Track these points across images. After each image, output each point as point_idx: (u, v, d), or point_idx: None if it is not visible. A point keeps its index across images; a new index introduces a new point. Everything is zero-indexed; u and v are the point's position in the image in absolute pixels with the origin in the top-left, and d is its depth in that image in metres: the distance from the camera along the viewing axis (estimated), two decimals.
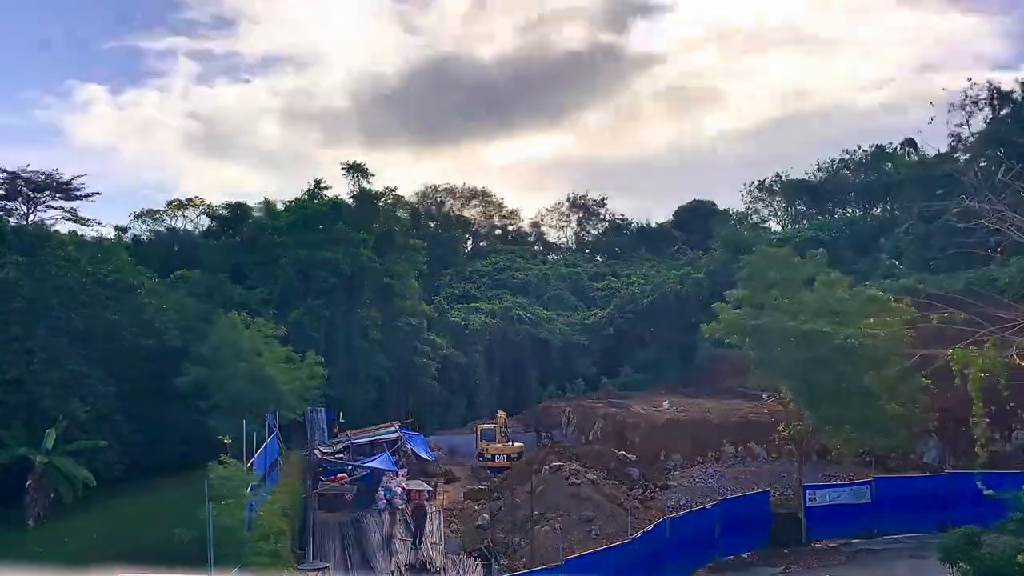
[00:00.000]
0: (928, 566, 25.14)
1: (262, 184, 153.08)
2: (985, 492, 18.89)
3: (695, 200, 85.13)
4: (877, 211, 74.64)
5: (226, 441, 30.57)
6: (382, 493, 33.16)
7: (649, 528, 27.52)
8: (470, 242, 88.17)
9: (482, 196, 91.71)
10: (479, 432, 44.41)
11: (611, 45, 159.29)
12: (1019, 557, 16.77)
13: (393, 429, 42.51)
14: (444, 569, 28.21)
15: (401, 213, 65.31)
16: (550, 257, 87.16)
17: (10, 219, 45.04)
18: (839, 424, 34.53)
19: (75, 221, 46.79)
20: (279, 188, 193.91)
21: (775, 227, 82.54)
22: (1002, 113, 59.24)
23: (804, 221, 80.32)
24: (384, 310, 53.31)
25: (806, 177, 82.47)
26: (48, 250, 40.45)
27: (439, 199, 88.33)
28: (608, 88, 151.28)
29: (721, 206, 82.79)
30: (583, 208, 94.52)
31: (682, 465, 39.57)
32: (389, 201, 59.13)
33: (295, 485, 34.93)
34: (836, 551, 30.63)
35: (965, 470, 30.35)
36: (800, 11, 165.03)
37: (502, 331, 58.73)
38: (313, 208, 52.67)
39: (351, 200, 54.66)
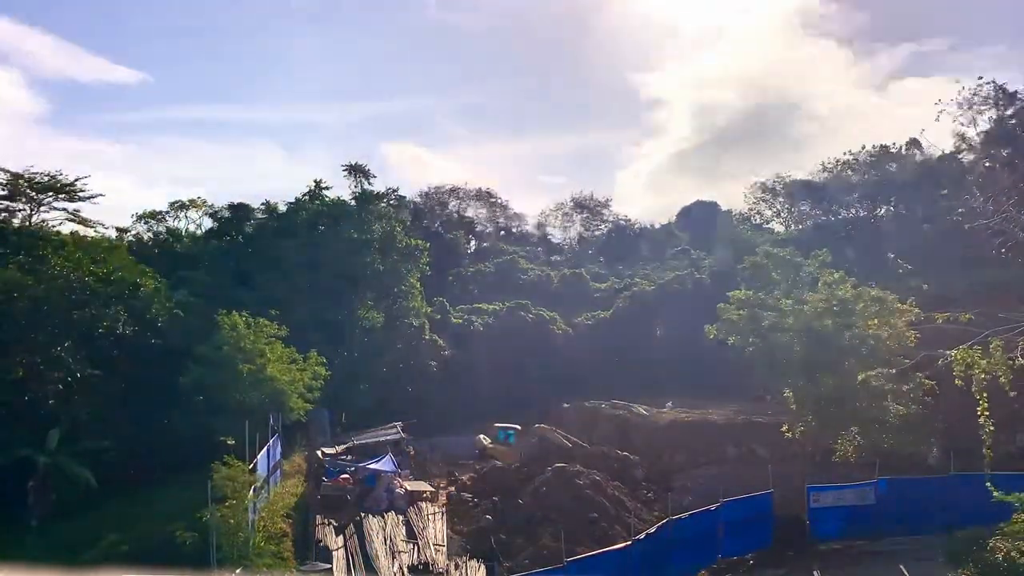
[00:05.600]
0: (932, 568, 25.05)
1: None
2: (995, 494, 18.80)
3: (698, 200, 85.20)
4: (881, 211, 74.40)
5: (229, 442, 30.56)
6: (384, 495, 33.08)
7: (652, 530, 27.40)
8: (473, 242, 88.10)
9: (486, 197, 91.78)
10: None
11: None
12: None
13: (395, 430, 42.41)
14: (447, 570, 28.11)
15: (404, 214, 65.24)
16: (553, 258, 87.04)
17: (13, 220, 45.11)
18: (843, 425, 34.50)
19: (78, 222, 46.88)
20: None
21: (778, 228, 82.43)
22: (1008, 113, 59.05)
23: (808, 222, 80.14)
24: (386, 311, 53.14)
25: (809, 178, 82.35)
26: (51, 251, 40.45)
27: (442, 199, 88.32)
28: None
29: (724, 207, 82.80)
30: (586, 208, 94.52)
31: (685, 467, 39.44)
32: (391, 202, 59.06)
33: (297, 486, 34.91)
34: (840, 553, 30.51)
35: (970, 472, 30.20)
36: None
37: (505, 332, 58.55)
38: (315, 209, 52.63)
39: (352, 201, 54.65)
